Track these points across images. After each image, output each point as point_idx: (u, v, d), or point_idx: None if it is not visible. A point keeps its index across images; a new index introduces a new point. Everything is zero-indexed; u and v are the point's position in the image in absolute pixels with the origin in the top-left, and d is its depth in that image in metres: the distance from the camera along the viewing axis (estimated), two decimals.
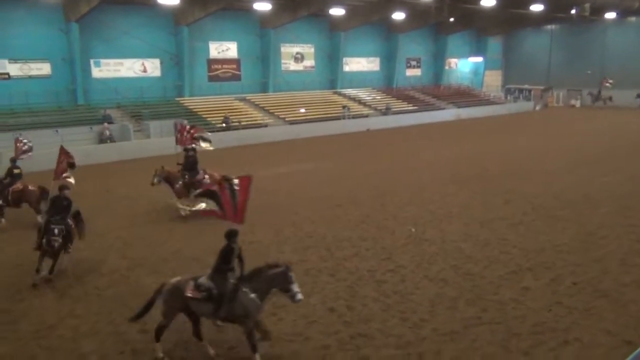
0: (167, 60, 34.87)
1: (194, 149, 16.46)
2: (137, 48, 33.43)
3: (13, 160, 15.74)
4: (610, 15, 44.67)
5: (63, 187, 11.35)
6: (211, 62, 37.34)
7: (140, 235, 14.02)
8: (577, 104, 52.96)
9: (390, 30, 46.71)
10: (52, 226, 10.65)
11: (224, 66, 37.96)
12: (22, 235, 14.00)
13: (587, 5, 35.43)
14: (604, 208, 15.54)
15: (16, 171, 15.41)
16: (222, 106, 35.12)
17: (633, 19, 49.48)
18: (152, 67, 34.46)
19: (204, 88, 36.66)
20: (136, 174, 23.28)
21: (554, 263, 11.30)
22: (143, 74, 34.10)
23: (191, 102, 34.77)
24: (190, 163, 16.27)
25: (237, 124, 32.82)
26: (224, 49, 37.77)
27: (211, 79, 37.41)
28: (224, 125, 32.26)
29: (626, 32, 50.84)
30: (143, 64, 34.08)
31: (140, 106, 31.86)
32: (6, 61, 29.17)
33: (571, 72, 53.18)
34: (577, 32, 52.27)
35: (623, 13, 44.63)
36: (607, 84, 50.86)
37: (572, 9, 36.87)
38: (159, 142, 26.20)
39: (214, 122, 32.60)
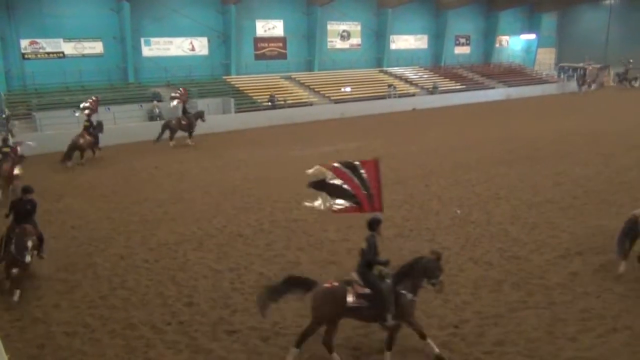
0: (214, 39, 35.20)
1: None
2: (185, 27, 33.86)
3: (4, 140, 16.73)
4: None
5: (27, 190, 10.03)
6: (257, 40, 37.46)
7: (188, 211, 14.36)
8: (637, 83, 50.47)
9: (439, 6, 45.58)
10: (26, 239, 9.22)
11: (270, 44, 38.02)
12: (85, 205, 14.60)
13: None
14: None
15: (5, 149, 16.15)
16: (268, 85, 35.29)
17: None
18: (200, 46, 34.87)
19: (251, 66, 36.89)
20: (185, 151, 23.83)
21: (604, 248, 10.92)
22: (191, 53, 34.57)
23: (238, 80, 35.08)
24: None
25: (282, 102, 32.93)
26: (271, 27, 37.78)
27: (257, 57, 37.57)
28: (269, 103, 32.44)
29: None
30: (191, 43, 34.51)
31: (189, 84, 32.37)
32: (61, 40, 30.10)
33: (630, 49, 50.53)
34: (638, 6, 49.53)
35: None
36: (630, 64, 48.67)
37: None
38: (208, 120, 26.57)
39: (260, 100, 32.82)
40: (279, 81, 36.52)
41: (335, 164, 7.48)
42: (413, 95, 39.47)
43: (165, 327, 8.30)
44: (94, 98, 23.37)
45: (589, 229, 12.21)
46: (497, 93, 43.24)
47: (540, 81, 48.47)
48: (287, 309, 8.71)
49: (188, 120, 24.94)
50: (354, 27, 42.18)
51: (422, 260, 7.24)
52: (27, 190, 10.01)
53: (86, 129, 21.48)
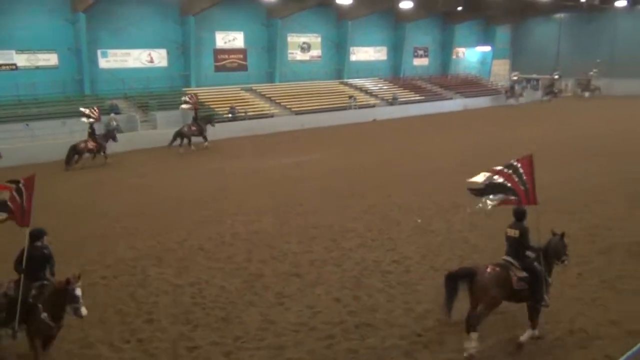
0: (173, 51, 34.83)
1: None
2: (143, 38, 33.40)
3: None
4: (621, 3, 44.15)
5: (40, 233, 7.58)
6: (217, 52, 37.26)
7: (147, 225, 14.09)
8: (586, 93, 52.46)
9: (398, 19, 46.36)
10: (39, 306, 7.13)
11: (231, 56, 37.87)
12: None
13: None
14: (614, 199, 15.42)
15: None
16: (229, 96, 35.10)
17: None
18: (159, 58, 34.44)
19: (211, 78, 36.62)
20: (143, 164, 23.42)
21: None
22: (150, 64, 34.09)
23: (198, 92, 34.72)
24: None
25: (243, 114, 32.81)
26: (231, 39, 37.66)
27: (217, 69, 37.34)
28: (230, 115, 32.27)
29: (636, 20, 50.19)
30: (150, 54, 34.06)
31: (147, 96, 31.90)
32: (13, 52, 29.21)
33: (580, 61, 52.58)
34: (586, 20, 51.66)
35: (633, 1, 44.09)
36: (592, 73, 50.64)
37: None
38: (166, 132, 26.23)
39: (220, 112, 32.60)
40: (239, 93, 36.38)
41: (498, 167, 8.32)
42: (373, 106, 39.93)
43: (123, 346, 8.09)
44: (95, 108, 24.16)
45: (545, 235, 12.51)
46: (455, 104, 44.18)
47: (496, 92, 49.76)
48: (250, 322, 8.63)
49: (198, 126, 26.33)
50: (314, 39, 42.47)
51: (552, 242, 8.05)
52: (37, 235, 7.53)
53: (90, 135, 23.09)
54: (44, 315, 7.05)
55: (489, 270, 7.65)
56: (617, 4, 44.30)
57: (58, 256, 11.62)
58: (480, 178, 8.31)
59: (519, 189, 8.04)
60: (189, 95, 27.94)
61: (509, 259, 7.87)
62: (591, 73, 50.93)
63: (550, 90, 50.33)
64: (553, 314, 8.64)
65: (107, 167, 22.53)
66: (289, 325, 8.54)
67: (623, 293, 9.35)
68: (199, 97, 33.63)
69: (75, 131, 26.19)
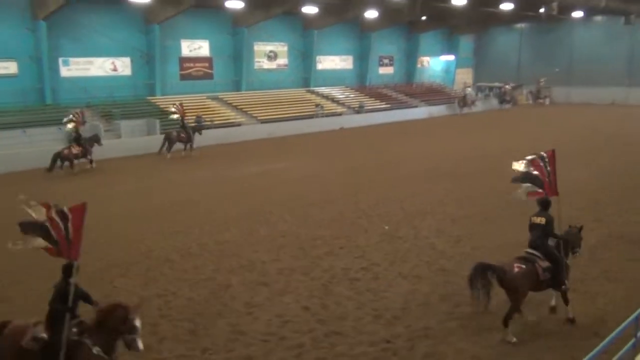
0: (137, 59, 34.34)
1: None
2: (107, 46, 32.84)
3: None
4: (578, 14, 45.64)
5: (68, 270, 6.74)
6: (183, 60, 36.90)
7: (113, 236, 13.80)
8: (547, 101, 53.98)
9: (363, 28, 46.84)
10: (87, 341, 6.39)
11: (196, 65, 37.56)
12: None
13: (555, 4, 36.10)
14: (573, 204, 15.84)
15: None
16: (195, 105, 34.74)
17: (599, 17, 50.62)
18: (123, 66, 33.90)
19: (176, 87, 36.22)
20: (107, 174, 22.98)
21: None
22: (113, 73, 33.50)
23: (163, 101, 34.29)
24: None
25: (209, 123, 32.56)
26: (196, 47, 37.38)
27: (183, 77, 36.97)
28: (196, 124, 31.95)
29: (592, 31, 52.04)
30: (113, 63, 33.49)
31: (111, 105, 31.33)
32: None
33: (540, 69, 54.13)
34: (545, 30, 53.21)
35: (589, 12, 45.64)
36: (541, 83, 52.18)
37: (540, 7, 37.53)
38: (131, 142, 25.81)
39: (186, 121, 32.24)
40: (205, 101, 36.08)
41: (532, 157, 8.97)
42: (340, 114, 40.15)
43: None
44: (78, 111, 24.37)
45: (509, 239, 12.79)
46: (420, 111, 44.79)
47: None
48: (219, 333, 8.53)
49: (187, 133, 27.00)
50: (281, 47, 42.52)
51: (570, 233, 8.73)
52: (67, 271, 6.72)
53: (76, 140, 23.14)
54: (97, 349, 6.30)
55: (516, 269, 8.12)
56: (574, 15, 45.75)
57: (23, 271, 11.36)
58: (522, 166, 8.97)
59: (545, 180, 8.77)
60: (176, 105, 27.87)
61: (532, 250, 8.42)
62: (541, 82, 52.38)
63: (504, 98, 51.38)
64: (517, 318, 8.81)
65: (71, 178, 22.00)
66: (258, 335, 8.48)
67: (585, 295, 9.59)
68: (165, 106, 33.38)
69: (37, 141, 25.60)
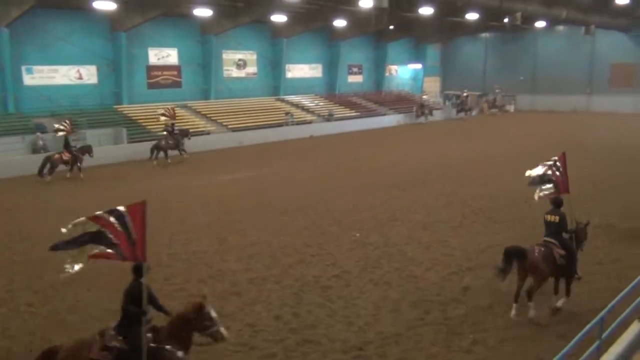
0: (103, 67, 33.78)
1: None
2: (72, 54, 32.22)
3: None
4: (540, 24, 46.81)
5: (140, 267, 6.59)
6: (150, 68, 36.48)
7: None
8: (512, 108, 55.18)
9: (332, 37, 47.14)
10: (168, 347, 6.36)
11: (164, 73, 37.17)
12: None
13: (519, 14, 36.90)
14: (540, 209, 16.16)
15: None
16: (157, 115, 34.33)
17: (561, 27, 52.11)
18: (88, 74, 33.30)
19: (144, 95, 35.75)
20: (73, 184, 22.49)
21: (493, 263, 11.65)
22: (79, 81, 32.87)
23: (130, 109, 33.84)
24: None
25: (178, 131, 32.18)
26: (164, 56, 37.01)
27: (151, 85, 36.53)
28: (165, 133, 31.56)
29: (555, 41, 53.53)
30: (78, 71, 32.87)
31: (77, 114, 30.68)
32: None
33: (505, 78, 55.40)
34: (510, 40, 54.49)
35: (552, 22, 46.85)
36: (497, 91, 53.39)
37: (504, 17, 38.38)
38: (97, 150, 25.32)
39: (154, 130, 31.87)
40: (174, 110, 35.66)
41: (549, 162, 10.16)
42: (310, 122, 40.22)
43: None
44: (67, 121, 24.67)
45: (478, 245, 13.02)
46: (389, 119, 45.21)
47: (428, 108, 51.23)
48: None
49: (175, 140, 27.47)
50: (250, 56, 42.43)
51: (578, 228, 9.73)
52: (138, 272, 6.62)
53: (66, 147, 23.50)
54: (180, 353, 6.25)
55: (537, 251, 9.10)
56: (537, 25, 46.89)
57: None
58: (538, 171, 10.17)
59: (558, 179, 9.92)
60: (166, 110, 28.73)
61: (550, 239, 9.35)
62: (496, 91, 53.43)
63: (462, 107, 51.77)
64: (488, 322, 8.95)
65: (35, 189, 21.44)
66: (229, 345, 8.36)
67: (551, 296, 9.78)
68: (133, 115, 32.95)
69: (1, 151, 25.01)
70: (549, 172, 10.06)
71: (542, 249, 9.14)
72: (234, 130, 35.10)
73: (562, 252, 9.17)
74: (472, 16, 40.67)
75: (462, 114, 50.03)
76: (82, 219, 6.35)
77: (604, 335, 7.08)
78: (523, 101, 55.38)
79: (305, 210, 16.80)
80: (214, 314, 6.43)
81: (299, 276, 11.23)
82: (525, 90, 54.98)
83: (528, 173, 10.38)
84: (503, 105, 53.25)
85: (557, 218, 9.40)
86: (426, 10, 36.27)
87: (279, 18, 38.42)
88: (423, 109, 45.16)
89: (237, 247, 13.34)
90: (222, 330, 6.45)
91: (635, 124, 39.75)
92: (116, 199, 19.07)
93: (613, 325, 7.47)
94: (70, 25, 31.98)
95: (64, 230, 6.26)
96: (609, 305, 7.32)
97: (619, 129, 37.35)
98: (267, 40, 43.02)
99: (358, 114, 44.42)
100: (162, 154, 27.00)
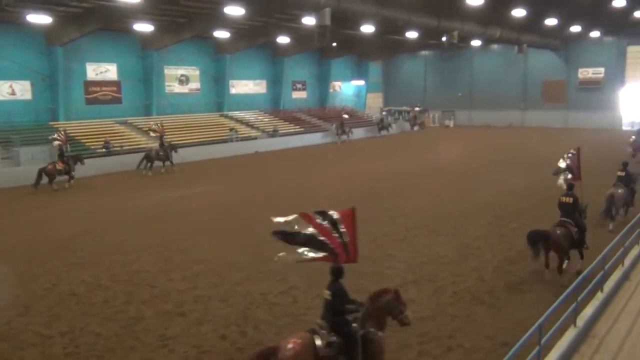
0: (38, 83, 32.53)
1: None
2: (4, 69, 30.85)
3: None
4: (476, 43, 48.70)
5: (342, 270, 7.31)
6: (89, 84, 35.38)
7: (10, 271, 12.79)
8: (451, 124, 56.97)
9: (276, 53, 47.33)
10: (372, 330, 6.97)
11: (103, 88, 36.14)
12: None
13: (456, 33, 38.25)
14: (479, 220, 16.71)
15: None
16: (102, 130, 33.38)
17: (496, 46, 54.43)
18: (22, 90, 31.94)
19: (82, 111, 34.60)
20: (4, 204, 21.40)
21: (436, 274, 11.93)
22: (11, 97, 31.47)
23: (67, 126, 32.61)
24: None
25: (118, 148, 31.35)
26: (103, 71, 36.02)
27: (89, 101, 35.40)
28: (104, 150, 30.68)
29: (490, 59, 55.87)
30: (11, 86, 31.48)
31: (9, 131, 29.37)
32: None
33: (444, 94, 57.30)
34: (448, 57, 56.44)
35: (487, 41, 48.83)
36: (417, 109, 55.29)
37: (442, 36, 39.69)
38: (31, 169, 24.23)
39: (93, 147, 30.89)
40: (114, 126, 34.71)
41: (569, 155, 13.79)
42: (255, 138, 40.08)
43: None
44: (61, 131, 26.42)
45: (421, 257, 13.25)
46: (333, 135, 45.59)
47: (371, 123, 52.20)
48: None
49: (165, 152, 28.97)
50: (193, 71, 41.95)
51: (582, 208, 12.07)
52: (342, 272, 7.25)
53: (60, 157, 24.75)
54: (381, 334, 7.01)
55: (558, 231, 11.19)
56: (473, 43, 48.75)
57: None
58: (564, 163, 13.26)
59: (575, 169, 14.22)
60: (156, 124, 30.51)
61: (565, 219, 11.49)
62: (416, 109, 54.92)
63: (415, 122, 53.52)
64: (432, 332, 9.09)
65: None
66: None
67: (493, 308, 10.08)
68: (70, 131, 31.82)
69: None
70: (569, 162, 13.69)
71: (562, 228, 11.24)
72: (177, 146, 34.39)
73: (575, 229, 11.29)
74: (412, 35, 41.82)
75: (416, 128, 51.99)
76: (295, 216, 7.42)
77: (543, 341, 7.35)
78: (462, 116, 57.35)
79: (251, 226, 16.60)
80: (405, 301, 7.24)
81: (245, 293, 11.07)
82: (464, 106, 57.07)
83: (560, 163, 14.40)
84: (422, 122, 54.56)
85: (571, 199, 11.61)
86: (368, 29, 37.02)
87: (221, 34, 38.24)
88: (343, 127, 45.10)
89: (181, 265, 13.02)
90: (410, 315, 7.20)
91: (566, 140, 41.89)
92: (48, 219, 18.35)
93: (551, 331, 7.77)
94: (3, 39, 30.69)
95: (280, 219, 7.45)
96: (547, 313, 7.61)
97: (551, 143, 39.19)
98: (210, 56, 42.71)
99: (303, 129, 44.65)
100: (152, 163, 28.45)
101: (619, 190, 15.36)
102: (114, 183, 25.81)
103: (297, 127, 44.92)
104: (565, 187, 12.65)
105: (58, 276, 12.39)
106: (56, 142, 25.34)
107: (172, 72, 40.47)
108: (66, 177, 24.84)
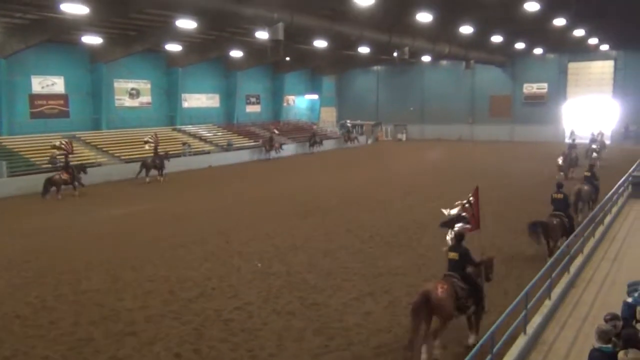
0: None
1: None
2: None
3: None
4: (426, 58, 49.86)
5: (462, 235, 9.49)
6: (34, 97, 34.15)
7: None
8: (403, 137, 57.98)
9: (229, 67, 47.07)
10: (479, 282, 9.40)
11: (50, 102, 34.96)
12: None
13: (407, 49, 39.07)
14: (432, 231, 16.98)
15: None
16: (49, 145, 32.20)
17: (444, 62, 55.91)
18: None
19: (26, 126, 33.32)
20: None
21: (392, 286, 12.03)
22: None
23: (11, 141, 31.37)
24: None
25: (61, 163, 30.29)
26: (49, 84, 34.89)
27: (34, 115, 34.16)
28: (50, 165, 29.62)
29: (440, 74, 57.30)
30: None
31: None
32: None
33: (396, 108, 58.31)
34: (399, 72, 57.50)
35: (436, 57, 50.06)
36: (348, 124, 55.59)
37: (394, 52, 40.46)
38: None
39: (38, 162, 29.79)
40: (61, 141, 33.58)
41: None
42: (208, 152, 39.62)
43: None
44: (65, 141, 26.92)
45: (377, 269, 13.35)
46: (288, 148, 45.61)
47: (325, 137, 52.54)
48: None
49: (160, 161, 30.29)
50: (144, 85, 41.19)
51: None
52: (463, 236, 9.51)
53: (64, 168, 25.64)
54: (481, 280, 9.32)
55: (555, 222, 13.38)
56: (423, 59, 49.88)
57: None
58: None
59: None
60: (151, 135, 31.06)
61: (559, 212, 13.74)
62: (348, 124, 54.89)
63: (348, 137, 53.08)
64: (389, 344, 9.14)
65: None
66: None
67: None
68: (13, 146, 30.66)
69: None
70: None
71: (558, 219, 13.39)
72: (128, 161, 33.64)
73: (567, 220, 13.72)
74: (364, 50, 42.45)
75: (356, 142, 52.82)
76: (459, 202, 10.17)
77: (495, 349, 7.51)
78: (414, 130, 58.42)
79: (205, 242, 16.37)
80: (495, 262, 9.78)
81: (199, 311, 10.85)
82: (415, 120, 58.21)
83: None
84: (355, 137, 53.95)
85: (562, 195, 14.12)
86: (321, 44, 37.37)
87: (173, 47, 37.75)
88: (272, 142, 43.25)
89: (132, 284, 12.66)
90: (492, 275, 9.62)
91: (511, 152, 43.30)
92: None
93: (502, 339, 7.96)
94: None
95: (448, 211, 10.07)
96: (498, 321, 7.79)
97: (497, 155, 40.44)
98: (161, 69, 42.08)
99: (257, 143, 44.43)
100: (149, 171, 29.69)
101: (585, 187, 17.66)
102: (60, 200, 24.90)
103: (252, 141, 44.69)
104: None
105: (1, 298, 11.82)
106: (56, 152, 26.57)
107: (122, 85, 39.61)
108: (70, 186, 25.64)
